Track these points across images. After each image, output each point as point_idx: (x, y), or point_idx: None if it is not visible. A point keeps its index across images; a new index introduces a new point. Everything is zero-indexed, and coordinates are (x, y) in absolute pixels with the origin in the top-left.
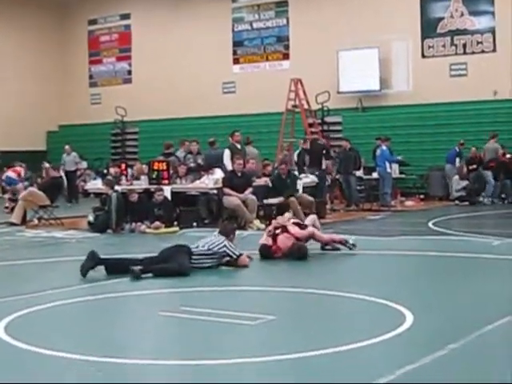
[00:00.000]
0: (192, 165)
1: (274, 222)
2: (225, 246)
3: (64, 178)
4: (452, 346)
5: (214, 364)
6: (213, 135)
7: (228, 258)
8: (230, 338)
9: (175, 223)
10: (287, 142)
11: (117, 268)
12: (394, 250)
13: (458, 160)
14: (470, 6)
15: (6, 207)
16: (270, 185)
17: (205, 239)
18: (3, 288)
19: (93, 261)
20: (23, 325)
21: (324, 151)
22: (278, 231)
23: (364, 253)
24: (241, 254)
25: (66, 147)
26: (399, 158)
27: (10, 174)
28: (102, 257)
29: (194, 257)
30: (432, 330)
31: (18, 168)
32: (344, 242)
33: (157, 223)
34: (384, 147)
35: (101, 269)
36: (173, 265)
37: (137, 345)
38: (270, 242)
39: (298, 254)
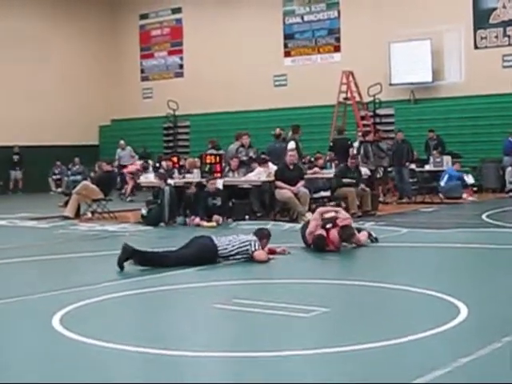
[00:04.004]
0: (244, 158)
1: (321, 209)
2: (250, 244)
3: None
4: (508, 339)
5: (268, 356)
6: (264, 128)
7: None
8: (284, 330)
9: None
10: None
11: (149, 260)
12: (447, 242)
13: None
14: None
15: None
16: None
17: (233, 239)
18: (58, 281)
19: (126, 253)
20: (78, 317)
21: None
22: (328, 226)
23: (417, 245)
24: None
25: (121, 142)
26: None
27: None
28: (136, 248)
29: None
30: (487, 323)
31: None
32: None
33: (216, 217)
34: None
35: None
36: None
37: (192, 337)
38: (324, 233)
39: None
